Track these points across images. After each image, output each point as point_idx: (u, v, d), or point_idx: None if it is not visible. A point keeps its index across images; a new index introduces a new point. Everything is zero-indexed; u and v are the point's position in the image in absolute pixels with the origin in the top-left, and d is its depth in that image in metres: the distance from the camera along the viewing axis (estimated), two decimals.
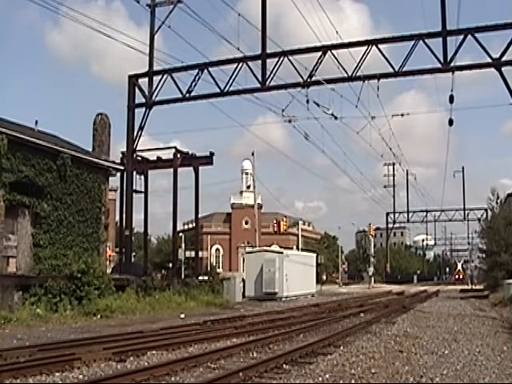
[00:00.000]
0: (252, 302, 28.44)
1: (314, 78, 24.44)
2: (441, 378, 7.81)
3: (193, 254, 38.76)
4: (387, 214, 78.37)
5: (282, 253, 33.11)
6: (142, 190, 32.60)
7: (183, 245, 43.93)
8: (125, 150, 28.48)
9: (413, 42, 23.04)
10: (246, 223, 78.03)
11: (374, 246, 72.42)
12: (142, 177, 32.50)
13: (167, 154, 32.27)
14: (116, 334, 12.74)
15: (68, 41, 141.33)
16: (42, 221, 21.23)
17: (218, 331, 13.62)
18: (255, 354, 10.20)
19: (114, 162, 26.81)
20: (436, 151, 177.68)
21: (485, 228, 38.41)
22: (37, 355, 9.44)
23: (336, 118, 24.56)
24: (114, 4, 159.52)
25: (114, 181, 30.51)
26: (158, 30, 27.57)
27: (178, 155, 31.46)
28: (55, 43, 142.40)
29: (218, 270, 64.65)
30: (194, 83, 26.16)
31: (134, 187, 29.05)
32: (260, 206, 67.32)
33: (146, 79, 27.59)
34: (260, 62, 25.12)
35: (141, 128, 27.50)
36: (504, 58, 21.92)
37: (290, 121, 25.01)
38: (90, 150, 26.09)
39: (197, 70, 26.09)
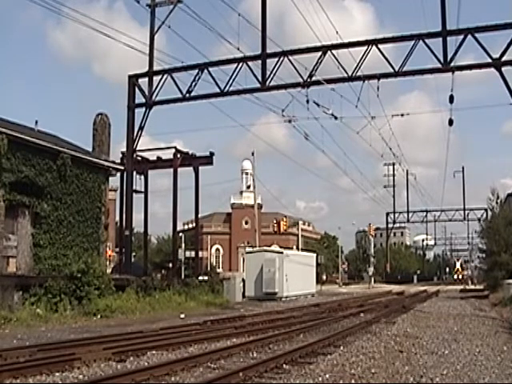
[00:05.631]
0: (252, 302, 28.43)
1: (314, 78, 24.45)
2: (441, 378, 7.81)
3: (193, 254, 38.79)
4: (387, 214, 78.46)
5: (282, 253, 33.09)
6: (142, 190, 32.63)
7: (183, 245, 43.96)
8: (125, 149, 28.50)
9: (413, 42, 23.06)
10: (246, 223, 78.04)
11: (374, 246, 72.44)
12: (142, 177, 32.53)
13: (167, 154, 32.35)
14: (116, 334, 12.73)
15: (70, 41, 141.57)
16: (42, 221, 21.24)
17: (218, 331, 13.61)
18: (255, 354, 10.19)
19: (114, 162, 26.81)
20: (436, 151, 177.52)
21: (485, 228, 38.42)
22: (37, 355, 9.44)
23: (336, 118, 24.58)
24: (117, 4, 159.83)
25: (114, 181, 30.56)
26: (157, 30, 27.61)
27: (178, 155, 31.48)
28: (57, 43, 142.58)
29: (218, 270, 64.71)
30: (194, 83, 26.18)
31: (134, 187, 29.05)
32: (260, 206, 67.32)
33: (146, 79, 27.60)
34: (260, 62, 25.13)
35: (141, 128, 27.52)
36: (504, 58, 21.92)
37: (290, 121, 25.03)
38: (90, 150, 26.10)
39: (197, 70, 26.10)
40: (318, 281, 47.32)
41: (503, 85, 22.06)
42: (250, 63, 25.19)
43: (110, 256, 38.17)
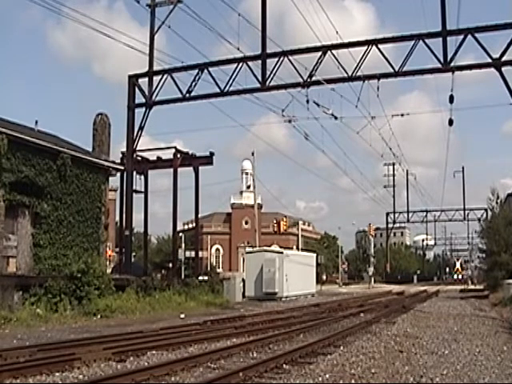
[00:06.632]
0: (252, 302, 28.42)
1: (314, 78, 24.45)
2: (441, 378, 7.81)
3: (193, 254, 38.78)
4: (387, 214, 78.49)
5: (282, 253, 33.09)
6: (142, 190, 32.63)
7: (183, 245, 43.96)
8: (125, 149, 28.50)
9: (413, 42, 23.06)
10: (246, 223, 78.03)
11: (374, 246, 72.45)
12: (142, 177, 32.53)
13: (167, 154, 32.37)
14: (116, 334, 12.73)
15: (70, 41, 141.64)
16: (42, 221, 21.24)
17: (218, 331, 13.61)
18: (255, 354, 10.19)
19: (114, 162, 26.81)
20: (436, 151, 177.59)
21: (485, 228, 38.44)
22: (37, 355, 9.43)
23: (336, 118, 24.58)
24: (117, 4, 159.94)
25: (114, 181, 30.58)
26: (157, 30, 27.62)
27: (178, 155, 31.48)
28: (57, 43, 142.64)
29: (218, 270, 64.72)
30: (194, 83, 26.19)
31: (134, 187, 29.05)
32: (260, 206, 67.31)
33: (146, 79, 27.60)
34: (260, 62, 25.13)
35: (141, 128, 27.52)
36: (504, 58, 21.92)
37: (290, 121, 25.03)
38: (90, 150, 26.10)
39: (197, 70, 26.10)
40: (318, 281, 47.32)
41: (503, 85, 22.07)
42: (250, 63, 25.19)
43: (110, 256, 38.17)
